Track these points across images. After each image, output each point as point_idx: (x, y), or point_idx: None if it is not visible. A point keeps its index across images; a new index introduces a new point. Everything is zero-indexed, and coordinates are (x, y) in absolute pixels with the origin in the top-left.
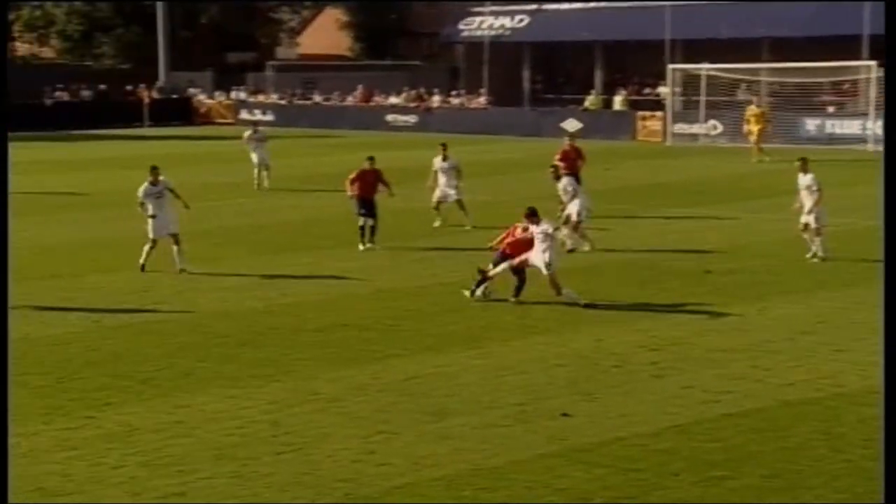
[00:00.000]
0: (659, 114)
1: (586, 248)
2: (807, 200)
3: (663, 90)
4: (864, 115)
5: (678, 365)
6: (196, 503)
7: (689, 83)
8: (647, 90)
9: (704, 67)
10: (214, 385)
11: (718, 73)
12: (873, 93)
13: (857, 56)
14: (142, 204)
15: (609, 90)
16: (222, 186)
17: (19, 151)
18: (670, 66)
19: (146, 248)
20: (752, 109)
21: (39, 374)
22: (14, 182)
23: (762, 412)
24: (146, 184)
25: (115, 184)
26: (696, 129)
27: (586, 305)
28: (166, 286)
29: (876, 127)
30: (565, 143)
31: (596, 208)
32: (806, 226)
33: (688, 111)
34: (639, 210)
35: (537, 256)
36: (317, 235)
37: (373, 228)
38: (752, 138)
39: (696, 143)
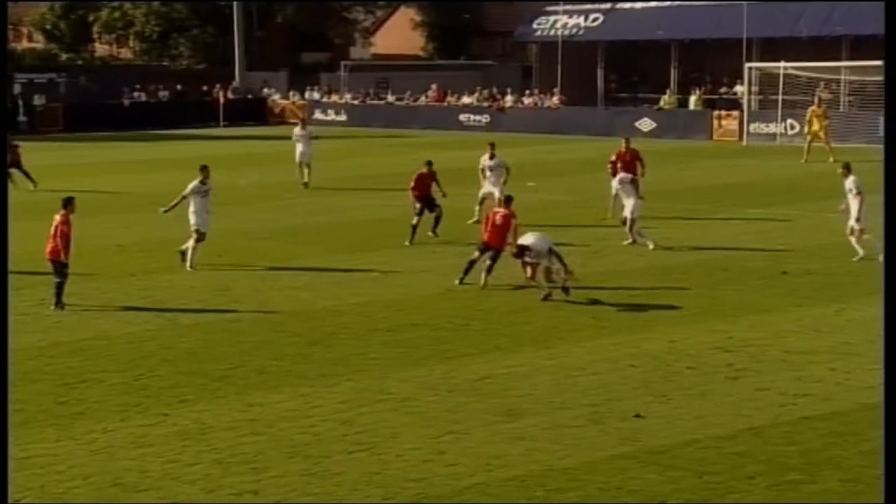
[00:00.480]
0: (735, 113)
1: (650, 245)
2: (853, 204)
3: (740, 89)
4: None
5: (754, 367)
6: (269, 501)
7: (766, 82)
8: (723, 89)
9: (782, 66)
10: (287, 383)
11: (796, 72)
12: None
13: None
14: (184, 197)
15: (684, 89)
16: (295, 185)
17: (97, 152)
18: (747, 65)
19: (192, 243)
20: (814, 110)
21: (116, 372)
22: (92, 182)
23: (841, 416)
24: (196, 182)
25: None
26: (772, 128)
27: (545, 298)
28: (242, 285)
29: None
30: (621, 145)
31: (673, 208)
32: (852, 230)
33: (765, 110)
34: (715, 210)
35: (527, 238)
36: (388, 234)
37: (437, 220)
38: (820, 137)
39: (773, 143)
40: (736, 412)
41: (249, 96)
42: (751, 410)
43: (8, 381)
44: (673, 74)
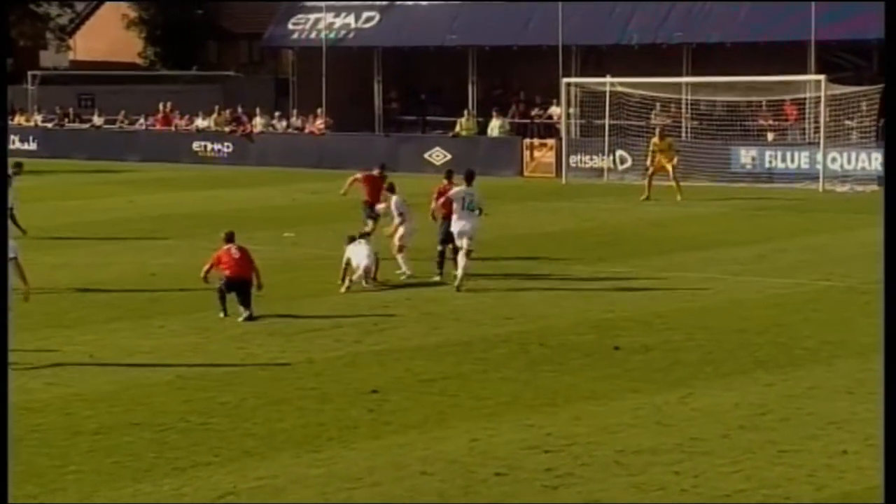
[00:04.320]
0: (551, 142)
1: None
2: (399, 225)
3: (556, 111)
4: (813, 144)
5: (579, 472)
6: None
7: (590, 102)
8: (535, 111)
9: (609, 81)
10: None
11: (626, 89)
12: (823, 116)
13: (801, 68)
14: None
15: (487, 111)
16: None
17: None
18: (565, 80)
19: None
20: (655, 143)
21: None
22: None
23: None
24: None
25: None
26: (598, 161)
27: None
28: None
29: (828, 160)
30: (443, 181)
31: (473, 264)
32: (400, 248)
33: (588, 139)
34: (528, 267)
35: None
36: (96, 304)
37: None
38: (667, 171)
39: (598, 180)
40: None
41: None
42: None
43: (7, 380)
44: (472, 91)
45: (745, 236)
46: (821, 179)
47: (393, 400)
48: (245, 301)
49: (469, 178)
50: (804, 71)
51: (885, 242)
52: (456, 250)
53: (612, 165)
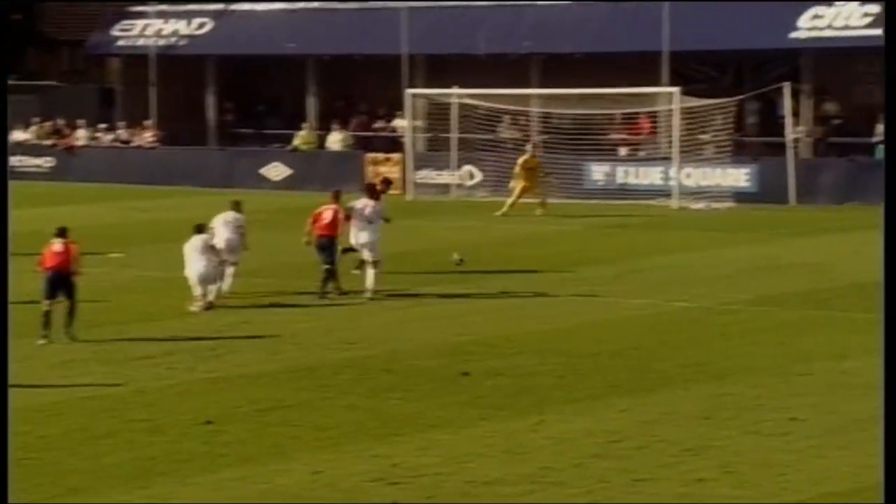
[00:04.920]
0: (396, 156)
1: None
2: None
3: (401, 123)
4: (667, 159)
5: None
6: None
7: (437, 114)
8: (379, 123)
9: (455, 93)
10: None
11: (473, 101)
12: (676, 129)
13: (655, 79)
14: None
15: (328, 123)
16: None
17: None
18: (409, 91)
19: None
20: (527, 161)
21: None
22: None
23: None
24: None
25: None
26: (446, 177)
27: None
28: None
29: (682, 176)
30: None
31: (312, 286)
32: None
33: (435, 153)
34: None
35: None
36: None
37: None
38: (531, 192)
39: (446, 197)
40: None
41: None
42: None
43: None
44: (312, 103)
45: (599, 255)
46: (675, 196)
47: (229, 431)
48: (71, 309)
49: (371, 191)
50: (658, 83)
51: (886, 244)
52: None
53: (459, 181)
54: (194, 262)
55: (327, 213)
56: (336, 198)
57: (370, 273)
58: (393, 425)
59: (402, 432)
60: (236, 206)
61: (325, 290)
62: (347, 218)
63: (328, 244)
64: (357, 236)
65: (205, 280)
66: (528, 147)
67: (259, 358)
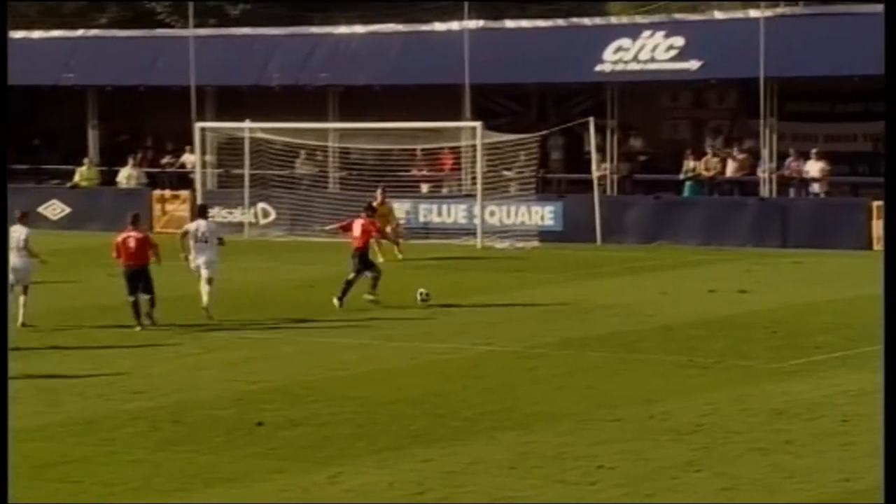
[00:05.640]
0: (185, 193)
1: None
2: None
3: (190, 159)
4: (471, 196)
5: None
6: None
7: (229, 149)
8: (167, 159)
9: (248, 126)
10: None
11: (268, 136)
12: (480, 165)
13: (457, 113)
14: None
15: (112, 158)
16: None
17: None
18: (198, 125)
19: None
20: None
21: None
22: None
23: None
24: None
25: None
26: (238, 215)
27: None
28: None
29: (486, 214)
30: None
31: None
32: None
33: (227, 190)
34: (157, 337)
35: None
36: None
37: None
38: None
39: (239, 236)
40: None
41: None
42: None
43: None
44: (93, 136)
45: (398, 298)
46: (479, 235)
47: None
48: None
49: (202, 212)
50: (460, 117)
51: (886, 244)
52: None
53: (253, 220)
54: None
55: (131, 241)
56: (135, 223)
57: (206, 288)
58: (181, 480)
59: (191, 487)
60: (22, 218)
61: (140, 321)
62: (153, 243)
63: (137, 273)
64: (196, 258)
65: None
66: (378, 193)
67: (37, 409)
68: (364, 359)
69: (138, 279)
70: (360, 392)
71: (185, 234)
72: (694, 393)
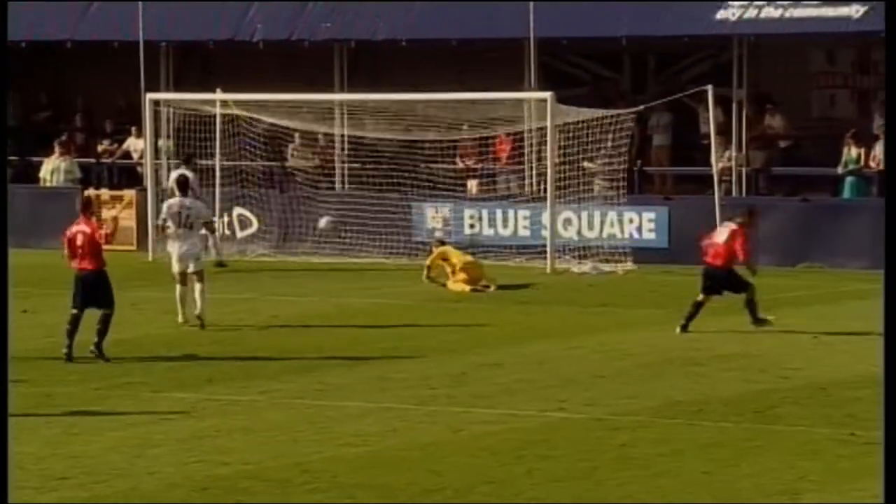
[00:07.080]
0: (130, 194)
1: None
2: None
3: (137, 145)
4: (538, 199)
5: None
6: None
7: (192, 132)
8: (104, 144)
9: (219, 98)
10: None
11: (247, 113)
12: (551, 154)
13: (518, 80)
14: None
15: (27, 143)
16: None
17: None
18: (150, 96)
19: None
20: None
21: None
22: None
23: None
24: None
25: None
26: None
27: None
28: None
29: (560, 223)
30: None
31: None
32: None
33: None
34: (85, 400)
35: None
36: None
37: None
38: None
39: (208, 255)
40: None
41: None
42: None
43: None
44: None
45: (434, 342)
46: (549, 253)
47: None
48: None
49: (183, 187)
50: (521, 85)
51: (886, 245)
52: None
53: (226, 231)
54: None
55: (78, 238)
56: (85, 210)
57: (198, 287)
58: None
59: None
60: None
61: (70, 348)
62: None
63: (93, 278)
64: (173, 247)
65: None
66: None
67: None
68: (386, 431)
69: (92, 288)
70: (381, 477)
71: (164, 221)
72: (856, 480)
